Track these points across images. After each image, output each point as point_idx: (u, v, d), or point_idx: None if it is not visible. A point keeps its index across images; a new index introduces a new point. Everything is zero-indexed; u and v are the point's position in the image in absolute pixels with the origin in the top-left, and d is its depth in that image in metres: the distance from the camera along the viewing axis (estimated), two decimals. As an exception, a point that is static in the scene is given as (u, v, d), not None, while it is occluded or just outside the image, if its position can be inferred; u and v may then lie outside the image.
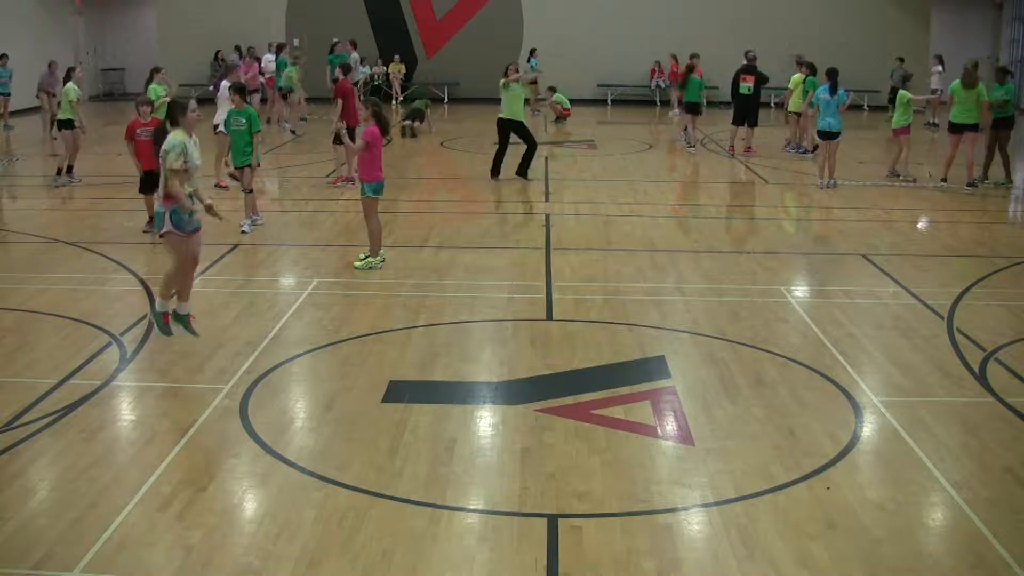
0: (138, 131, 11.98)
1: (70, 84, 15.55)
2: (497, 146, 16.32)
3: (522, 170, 16.12)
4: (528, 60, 27.71)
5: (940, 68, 25.02)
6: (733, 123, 19.87)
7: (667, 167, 19.34)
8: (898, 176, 16.58)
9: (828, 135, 16.03)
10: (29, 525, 5.23)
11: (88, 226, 12.55)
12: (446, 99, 30.37)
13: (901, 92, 16.72)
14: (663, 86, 29.81)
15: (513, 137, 15.99)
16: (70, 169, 15.47)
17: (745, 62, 19.64)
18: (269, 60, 24.49)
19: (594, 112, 28.09)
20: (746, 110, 19.43)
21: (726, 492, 5.66)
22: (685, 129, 21.36)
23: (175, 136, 7.79)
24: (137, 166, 12.05)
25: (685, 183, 17.32)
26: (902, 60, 25.57)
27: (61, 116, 15.46)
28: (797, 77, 19.65)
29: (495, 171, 16.26)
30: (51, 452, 6.11)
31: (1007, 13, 30.77)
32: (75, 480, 5.73)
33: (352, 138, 15.55)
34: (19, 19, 26.79)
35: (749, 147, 19.55)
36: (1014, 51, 30.31)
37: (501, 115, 16.07)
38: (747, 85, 19.25)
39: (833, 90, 16.17)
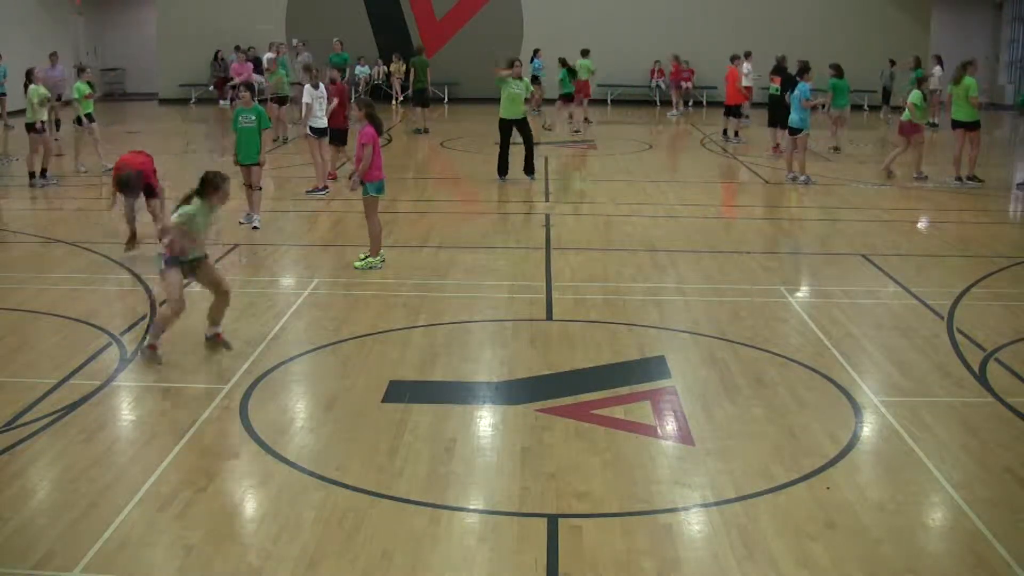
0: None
1: (32, 86, 15.51)
2: (499, 146, 16.19)
3: (528, 168, 16.02)
4: (532, 60, 27.69)
5: (939, 69, 25.02)
6: (768, 124, 19.98)
7: (667, 167, 19.35)
8: (892, 175, 16.55)
9: (790, 130, 16.39)
10: (29, 525, 5.23)
11: (88, 226, 12.55)
12: (446, 99, 30.37)
13: (916, 92, 16.66)
14: (663, 86, 29.81)
15: (515, 136, 15.96)
16: (44, 172, 15.46)
17: (775, 63, 19.86)
18: (270, 59, 24.39)
19: (594, 112, 28.06)
20: (774, 111, 19.38)
21: (726, 492, 5.66)
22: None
23: (190, 207, 7.54)
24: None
25: (686, 183, 17.31)
26: (893, 62, 25.60)
27: (28, 119, 15.35)
28: None
29: (503, 170, 16.13)
30: (51, 452, 6.11)
31: (1007, 13, 30.79)
32: (75, 480, 5.73)
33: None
34: (18, 19, 26.77)
35: (776, 147, 19.50)
36: (1014, 51, 30.33)
37: (502, 115, 15.94)
38: (774, 86, 19.30)
39: (793, 85, 16.47)
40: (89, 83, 16.52)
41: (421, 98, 23.22)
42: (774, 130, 19.62)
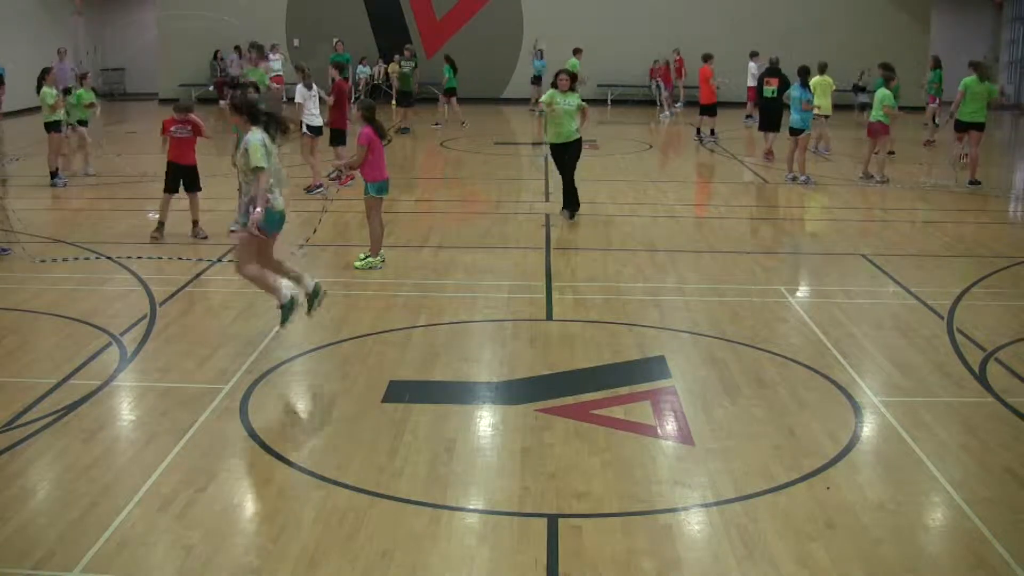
0: (173, 128, 11.88)
1: (44, 88, 15.55)
2: (562, 178, 13.36)
3: (569, 202, 13.30)
4: (535, 61, 27.74)
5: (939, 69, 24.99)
6: (760, 128, 19.54)
7: (667, 167, 19.34)
8: (872, 178, 16.43)
9: (791, 131, 16.48)
10: (29, 525, 5.23)
11: (88, 226, 12.55)
12: (446, 99, 30.36)
13: (882, 91, 16.59)
14: (662, 86, 29.77)
15: (539, 160, 15.15)
16: (55, 172, 15.60)
17: (768, 65, 19.42)
18: (273, 59, 24.54)
19: (594, 112, 27.98)
20: (771, 114, 18.77)
21: (726, 492, 5.66)
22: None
23: (256, 138, 7.89)
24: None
25: (686, 183, 17.32)
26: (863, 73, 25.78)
27: (46, 118, 15.42)
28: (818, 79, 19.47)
29: (571, 205, 13.24)
30: (51, 452, 6.11)
31: (1007, 13, 30.80)
32: (75, 480, 5.73)
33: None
34: (19, 19, 26.77)
35: (769, 152, 18.92)
36: (1014, 51, 30.35)
37: (549, 140, 13.48)
38: (771, 88, 18.77)
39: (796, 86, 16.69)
40: (94, 90, 16.92)
41: (407, 99, 23.40)
42: (766, 134, 19.12)
